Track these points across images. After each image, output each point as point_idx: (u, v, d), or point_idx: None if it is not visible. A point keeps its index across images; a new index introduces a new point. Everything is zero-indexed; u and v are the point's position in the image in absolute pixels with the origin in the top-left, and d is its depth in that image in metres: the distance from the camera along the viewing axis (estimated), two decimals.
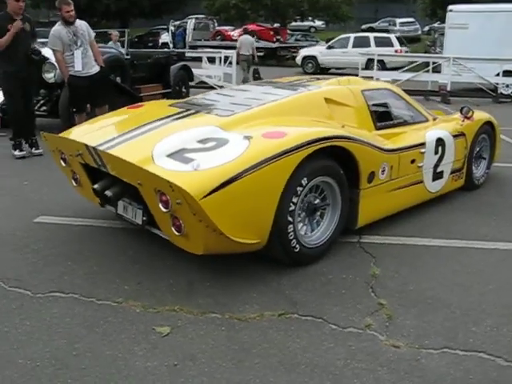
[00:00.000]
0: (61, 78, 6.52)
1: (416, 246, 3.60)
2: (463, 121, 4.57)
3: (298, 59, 20.46)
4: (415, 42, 26.73)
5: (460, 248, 3.58)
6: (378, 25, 35.18)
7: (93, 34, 6.26)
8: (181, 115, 3.43)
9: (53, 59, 6.99)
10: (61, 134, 3.56)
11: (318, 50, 20.17)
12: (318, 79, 4.30)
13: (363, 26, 35.16)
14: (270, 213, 2.81)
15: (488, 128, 4.91)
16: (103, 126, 3.52)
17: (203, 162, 2.74)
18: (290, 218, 2.95)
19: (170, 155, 2.86)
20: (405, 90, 4.76)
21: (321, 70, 19.20)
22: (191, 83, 10.34)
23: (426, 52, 19.73)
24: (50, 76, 6.79)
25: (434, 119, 4.56)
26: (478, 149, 4.86)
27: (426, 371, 2.25)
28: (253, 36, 15.38)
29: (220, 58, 11.63)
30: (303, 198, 3.09)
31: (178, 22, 24.60)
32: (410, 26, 31.67)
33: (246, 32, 13.56)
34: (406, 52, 16.20)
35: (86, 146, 3.07)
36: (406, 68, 12.33)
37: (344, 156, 3.22)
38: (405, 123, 4.24)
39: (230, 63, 11.96)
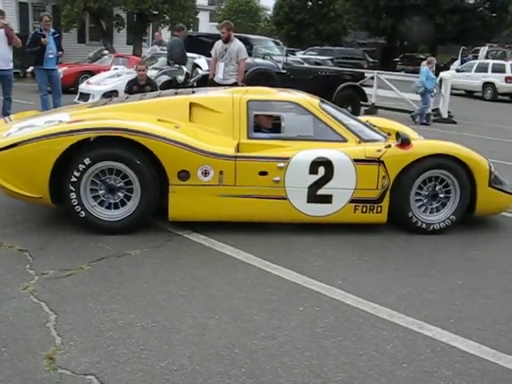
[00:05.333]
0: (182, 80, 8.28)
1: (212, 251, 3.64)
2: (387, 147, 3.93)
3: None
4: None
5: (232, 266, 3.42)
6: None
7: (243, 56, 7.53)
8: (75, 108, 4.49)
9: (202, 67, 8.75)
10: None
11: (451, 72, 19.04)
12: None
13: None
14: (43, 177, 3.60)
15: (452, 165, 4.00)
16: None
17: (20, 133, 3.76)
18: (71, 187, 3.66)
19: (20, 128, 3.95)
20: None
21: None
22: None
23: None
24: (192, 79, 8.52)
25: (361, 142, 4.06)
26: (428, 187, 4.05)
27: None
28: None
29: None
30: (101, 176, 3.71)
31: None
32: None
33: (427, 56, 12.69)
34: None
35: None
36: None
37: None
38: (298, 138, 4.07)
39: None
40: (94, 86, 10.73)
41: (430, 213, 4.15)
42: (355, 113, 10.01)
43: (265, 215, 3.94)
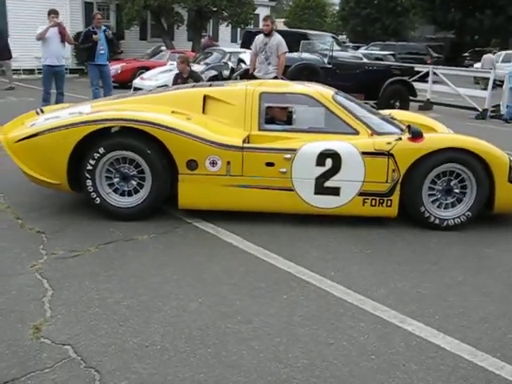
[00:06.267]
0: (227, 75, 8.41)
1: (211, 239, 3.74)
2: (398, 140, 3.83)
3: None
4: None
5: (231, 254, 3.50)
6: None
7: (283, 50, 7.60)
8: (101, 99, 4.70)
9: (247, 62, 8.84)
10: None
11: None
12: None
13: None
14: (61, 164, 3.83)
15: (468, 160, 3.85)
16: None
17: (42, 124, 4.03)
18: (87, 175, 3.88)
19: (46, 119, 4.22)
20: None
21: None
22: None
23: None
24: (235, 74, 8.70)
25: (373, 134, 3.99)
26: (443, 181, 3.92)
27: None
28: None
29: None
30: (115, 165, 3.89)
31: None
32: None
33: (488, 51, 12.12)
34: None
35: None
36: None
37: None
38: (309, 130, 4.07)
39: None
40: (146, 81, 11.17)
41: (445, 208, 4.02)
42: (404, 108, 9.76)
43: (272, 206, 3.98)
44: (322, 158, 3.85)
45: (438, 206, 4.02)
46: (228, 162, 3.85)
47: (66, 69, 16.42)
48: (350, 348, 2.47)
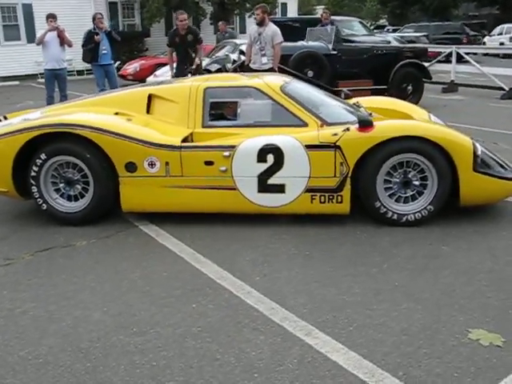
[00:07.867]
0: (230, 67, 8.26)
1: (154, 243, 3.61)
2: (345, 130, 3.54)
3: None
4: None
5: (160, 258, 3.39)
6: None
7: (278, 40, 7.41)
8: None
9: None
10: None
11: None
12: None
13: None
14: (6, 171, 3.82)
15: (425, 149, 3.52)
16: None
17: None
18: (32, 182, 3.86)
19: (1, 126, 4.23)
20: None
21: None
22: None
23: None
24: (232, 66, 8.54)
25: (324, 125, 3.73)
26: (400, 173, 3.62)
27: None
28: None
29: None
30: (60, 170, 3.85)
31: None
32: None
33: None
34: None
35: None
36: None
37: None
38: (255, 124, 3.86)
39: None
40: (159, 78, 11.14)
41: (404, 202, 3.71)
42: (417, 92, 9.28)
43: (215, 206, 3.81)
44: (262, 153, 3.63)
45: (396, 200, 3.72)
46: (167, 163, 3.71)
47: (87, 70, 16.91)
48: (235, 364, 2.28)
